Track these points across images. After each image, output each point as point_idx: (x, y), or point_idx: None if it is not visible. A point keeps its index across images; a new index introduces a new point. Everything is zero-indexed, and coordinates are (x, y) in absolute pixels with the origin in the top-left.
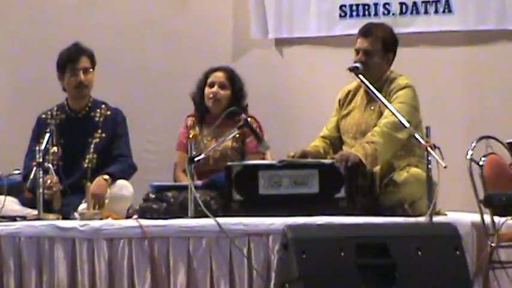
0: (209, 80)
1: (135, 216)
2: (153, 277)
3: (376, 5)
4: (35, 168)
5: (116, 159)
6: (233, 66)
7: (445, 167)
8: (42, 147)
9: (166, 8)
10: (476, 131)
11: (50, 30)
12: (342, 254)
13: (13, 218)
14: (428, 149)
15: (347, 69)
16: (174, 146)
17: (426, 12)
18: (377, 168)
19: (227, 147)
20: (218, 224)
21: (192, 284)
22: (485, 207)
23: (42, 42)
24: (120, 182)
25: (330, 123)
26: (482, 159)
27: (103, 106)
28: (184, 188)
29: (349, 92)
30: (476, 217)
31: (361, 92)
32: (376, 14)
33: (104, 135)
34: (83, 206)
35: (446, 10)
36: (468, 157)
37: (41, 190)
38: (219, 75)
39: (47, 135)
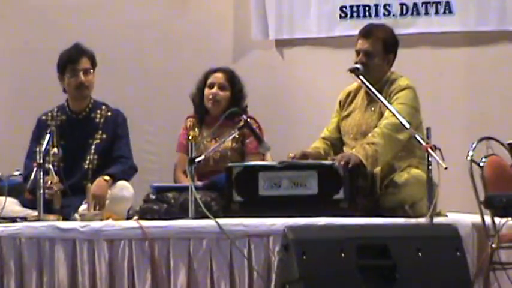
0: (209, 81)
1: (136, 217)
2: (154, 278)
3: (376, 6)
4: (35, 169)
5: (117, 160)
6: (233, 67)
7: (445, 168)
8: (43, 148)
9: (166, 9)
10: (476, 132)
11: (50, 32)
12: (343, 255)
13: (13, 219)
14: (429, 150)
15: (347, 70)
16: (174, 147)
17: (427, 13)
18: (377, 169)
19: (227, 148)
20: (218, 225)
21: (192, 285)
22: (486, 208)
23: (43, 43)
24: (121, 183)
25: (330, 124)
26: (483, 160)
27: (103, 107)
28: (185, 189)
29: (349, 93)
30: (476, 218)
31: (362, 93)
32: (376, 15)
33: (104, 136)
34: (83, 207)
35: (446, 11)
36: (469, 158)
37: (41, 191)
38: (219, 76)
39: (48, 136)
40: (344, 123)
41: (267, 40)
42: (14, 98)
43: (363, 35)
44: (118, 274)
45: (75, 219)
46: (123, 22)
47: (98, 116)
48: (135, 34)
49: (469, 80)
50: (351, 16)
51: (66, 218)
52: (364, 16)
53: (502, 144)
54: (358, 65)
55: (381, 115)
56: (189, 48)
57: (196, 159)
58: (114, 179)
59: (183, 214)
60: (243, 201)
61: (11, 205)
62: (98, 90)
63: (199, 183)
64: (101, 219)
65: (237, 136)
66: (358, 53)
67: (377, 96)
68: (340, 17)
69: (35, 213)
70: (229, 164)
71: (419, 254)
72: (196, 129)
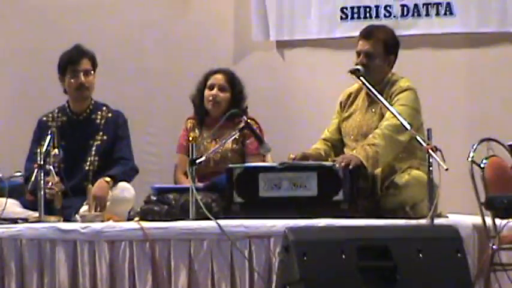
0: (209, 83)
1: (137, 219)
2: (154, 279)
3: (377, 7)
4: (36, 171)
5: (118, 161)
6: (234, 68)
7: (446, 169)
8: (44, 149)
9: (167, 10)
10: (477, 133)
11: (50, 33)
12: (343, 256)
13: (14, 220)
14: (430, 151)
15: (348, 71)
16: (175, 148)
17: (427, 14)
18: (378, 171)
19: (227, 149)
20: (219, 226)
21: (193, 286)
22: (487, 209)
23: (43, 45)
24: (122, 184)
25: (331, 126)
26: (484, 161)
27: (104, 108)
28: (186, 190)
29: (350, 94)
30: (477, 219)
31: (363, 94)
32: (377, 16)
33: (105, 137)
34: (84, 208)
35: (447, 12)
36: (469, 159)
37: (42, 192)
38: (219, 78)
39: (48, 137)
40: (345, 125)
41: (267, 41)
42: (14, 99)
43: (363, 36)
44: (119, 275)
45: (76, 221)
46: (124, 23)
47: (99, 117)
48: (136, 35)
49: (469, 81)
50: (352, 17)
51: (67, 219)
52: (365, 17)
53: (503, 145)
54: (358, 66)
55: (382, 116)
56: (190, 49)
57: (197, 161)
58: (115, 180)
59: (183, 215)
60: (244, 202)
61: (12, 206)
62: (98, 91)
63: (200, 185)
64: (102, 221)
65: (237, 137)
66: (358, 54)
67: (378, 98)
68: (341, 18)
69: (36, 214)
70: (230, 165)
71: (420, 255)
72: (196, 131)
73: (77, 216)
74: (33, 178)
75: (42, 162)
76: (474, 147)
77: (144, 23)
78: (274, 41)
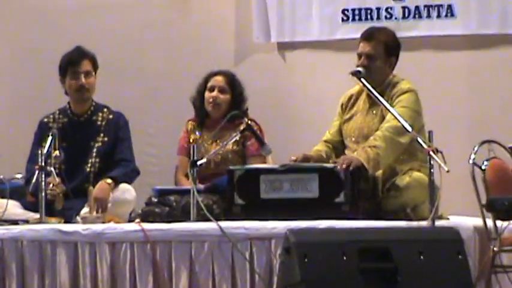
0: (209, 84)
1: (138, 220)
2: (155, 281)
3: (378, 9)
4: (37, 172)
5: (119, 163)
6: (235, 69)
7: (447, 171)
8: (45, 151)
9: (168, 11)
10: (478, 135)
11: (51, 34)
12: (345, 258)
13: (15, 222)
14: (431, 153)
15: (349, 73)
16: (175, 150)
17: (429, 16)
18: (379, 173)
19: (228, 150)
20: (220, 227)
21: None
22: (488, 211)
23: (44, 46)
24: (123, 186)
25: (332, 128)
26: (485, 163)
27: (105, 110)
28: (187, 191)
29: (351, 96)
30: (478, 221)
31: (364, 96)
32: (378, 18)
33: (106, 139)
34: (85, 210)
35: (448, 14)
36: (470, 161)
37: (43, 194)
38: (219, 80)
39: (49, 139)
40: (346, 127)
41: (268, 43)
42: (15, 100)
43: (364, 38)
44: (120, 277)
45: (77, 222)
46: (124, 24)
47: (100, 118)
48: (136, 36)
49: (470, 83)
50: (353, 19)
51: (68, 221)
52: (366, 19)
53: (504, 147)
54: (360, 68)
55: (383, 118)
56: (191, 50)
57: (198, 162)
58: (116, 182)
59: (184, 217)
60: (245, 204)
61: (13, 208)
62: (98, 92)
63: (201, 186)
64: (103, 222)
65: (238, 138)
66: (360, 56)
67: (379, 100)
68: (342, 20)
69: (37, 216)
70: (231, 167)
71: (421, 257)
72: (196, 132)
73: (78, 218)
74: (34, 179)
75: (43, 164)
76: (475, 149)
77: (145, 24)
78: (275, 43)
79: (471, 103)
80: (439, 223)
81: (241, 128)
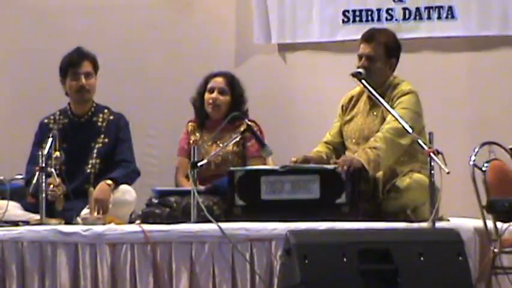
0: (209, 86)
1: (138, 221)
2: (156, 282)
3: (379, 10)
4: (37, 173)
5: (119, 164)
6: (235, 71)
7: (447, 173)
8: (45, 152)
9: (168, 12)
10: (479, 137)
11: (52, 35)
12: (345, 259)
13: (16, 223)
14: (431, 154)
15: (350, 74)
16: (176, 151)
17: (429, 18)
18: (380, 174)
19: (228, 151)
20: (220, 229)
21: None
22: (488, 213)
23: (45, 47)
24: (123, 187)
25: (333, 129)
26: (485, 165)
27: (106, 111)
28: (187, 193)
29: (352, 97)
30: (478, 223)
31: (364, 97)
32: (379, 20)
33: (106, 140)
34: (85, 211)
35: (449, 16)
36: (471, 163)
37: (43, 195)
38: (219, 81)
39: (50, 140)
40: (346, 128)
41: (269, 44)
42: (15, 101)
43: (365, 40)
44: (120, 278)
45: (77, 223)
46: (125, 25)
47: (100, 119)
48: (137, 37)
49: (471, 84)
50: (354, 21)
51: (68, 222)
52: (367, 21)
53: (505, 148)
54: (360, 70)
55: (383, 120)
56: (191, 51)
57: (199, 164)
58: (117, 183)
59: (185, 218)
60: (245, 205)
61: (13, 209)
62: (99, 93)
63: (202, 187)
64: (103, 223)
65: (238, 140)
66: (360, 57)
67: (379, 101)
68: (343, 21)
69: (37, 217)
70: (232, 168)
71: (421, 258)
72: (197, 134)
73: (79, 219)
74: (34, 180)
75: (43, 165)
76: (476, 150)
77: (146, 25)
78: (275, 44)
79: (471, 105)
80: (439, 224)
81: (242, 129)
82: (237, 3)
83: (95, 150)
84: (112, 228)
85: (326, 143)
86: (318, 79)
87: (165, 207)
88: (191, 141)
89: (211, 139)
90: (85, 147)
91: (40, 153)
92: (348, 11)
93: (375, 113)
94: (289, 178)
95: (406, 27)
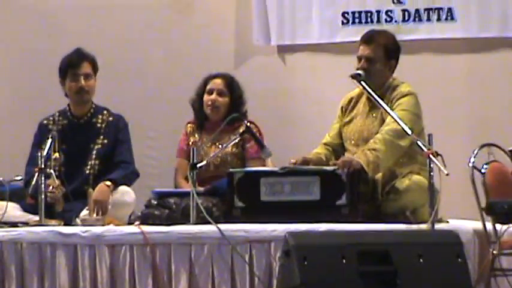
0: (208, 87)
1: (137, 223)
2: (155, 283)
3: (378, 12)
4: (36, 174)
5: (118, 165)
6: (235, 72)
7: (447, 175)
8: (44, 153)
9: (168, 13)
10: (478, 139)
11: (51, 36)
12: (344, 261)
13: (15, 224)
14: (431, 156)
15: (349, 76)
16: (175, 152)
17: (429, 19)
18: (379, 176)
19: (227, 152)
20: (220, 230)
21: None
22: (487, 214)
23: (44, 48)
24: (122, 188)
25: (332, 130)
26: (484, 166)
27: (105, 112)
28: (186, 194)
29: (351, 99)
30: (478, 224)
31: (364, 99)
32: (378, 21)
33: (106, 141)
34: (84, 212)
35: (448, 18)
36: (470, 165)
37: (42, 196)
38: (218, 82)
39: (49, 141)
40: (346, 129)
41: (268, 46)
42: (15, 102)
43: (364, 41)
44: (119, 279)
45: (76, 225)
46: (124, 26)
47: (100, 120)
48: (137, 39)
49: (470, 86)
50: (353, 22)
51: (67, 223)
52: (366, 22)
53: (504, 150)
54: (359, 71)
55: (383, 121)
56: (191, 53)
57: (198, 165)
58: (116, 184)
59: (184, 219)
60: (245, 206)
61: (12, 210)
62: (98, 94)
63: (201, 189)
64: (103, 225)
65: (237, 141)
66: (359, 59)
67: (379, 103)
68: (342, 23)
69: (36, 218)
70: (231, 170)
71: (421, 260)
72: (196, 135)
73: (78, 220)
74: (33, 182)
75: (42, 166)
76: (475, 152)
77: (145, 26)
78: (275, 46)
79: (471, 106)
80: (438, 226)
81: (241, 130)
82: (236, 5)
83: (94, 152)
84: (111, 230)
85: (325, 144)
86: (317, 80)
87: (165, 208)
88: (190, 143)
89: (211, 140)
90: (84, 148)
91: (39, 154)
92: (348, 13)
93: (374, 115)
94: (289, 179)
95: (406, 29)
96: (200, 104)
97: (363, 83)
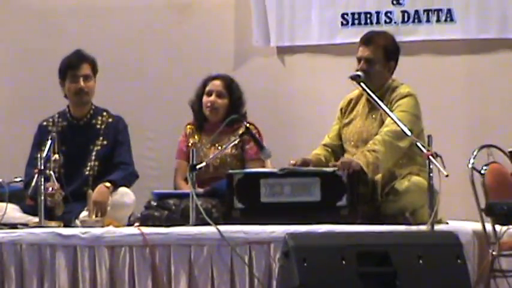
0: (207, 89)
1: (137, 224)
2: (154, 285)
3: (378, 13)
4: (36, 176)
5: (118, 166)
6: (234, 73)
7: (446, 176)
8: (44, 154)
9: (168, 15)
10: (477, 140)
11: (51, 36)
12: (344, 262)
13: (14, 226)
14: (430, 157)
15: (348, 77)
16: (175, 154)
17: (428, 20)
18: (378, 177)
19: (226, 154)
20: (219, 231)
21: None
22: (487, 215)
23: (44, 49)
24: (122, 190)
25: (331, 132)
26: (484, 167)
27: (104, 113)
28: (186, 195)
29: (351, 100)
30: (477, 226)
31: (363, 100)
32: (378, 23)
33: (105, 142)
34: (84, 214)
35: (448, 19)
36: (470, 166)
37: (42, 197)
38: (217, 84)
39: (49, 142)
40: (345, 131)
41: (268, 47)
42: (14, 103)
43: (363, 43)
44: (119, 281)
45: (76, 226)
46: (125, 29)
47: (99, 122)
48: (136, 40)
49: (469, 87)
50: (353, 23)
51: (67, 225)
52: (366, 23)
53: (503, 151)
54: (359, 73)
55: (382, 122)
56: (190, 54)
57: (198, 166)
58: (115, 185)
59: (184, 221)
60: (244, 208)
61: (12, 211)
62: (98, 95)
63: (200, 190)
64: (102, 226)
65: (237, 142)
66: (359, 60)
67: (378, 104)
68: (342, 24)
69: (36, 219)
70: (230, 171)
71: (420, 261)
72: (195, 136)
73: (77, 222)
74: (33, 183)
75: (42, 167)
76: (474, 153)
77: (145, 27)
78: (274, 47)
79: (470, 107)
80: (438, 227)
81: (240, 131)
82: (236, 6)
83: (94, 153)
84: (111, 231)
85: (325, 145)
86: (317, 82)
87: (164, 209)
88: (190, 144)
89: (210, 142)
90: (84, 149)
91: (39, 155)
92: (347, 14)
93: (373, 116)
94: (289, 181)
95: (405, 30)
96: (199, 105)
97: (362, 84)
